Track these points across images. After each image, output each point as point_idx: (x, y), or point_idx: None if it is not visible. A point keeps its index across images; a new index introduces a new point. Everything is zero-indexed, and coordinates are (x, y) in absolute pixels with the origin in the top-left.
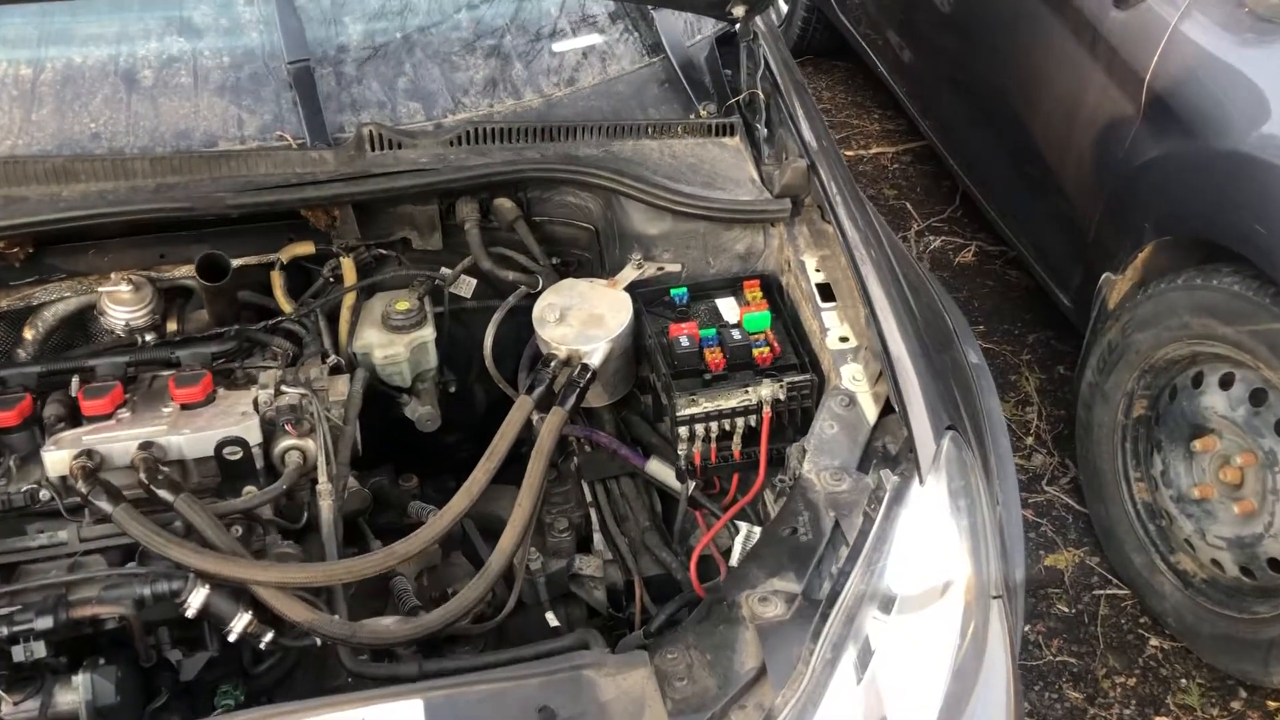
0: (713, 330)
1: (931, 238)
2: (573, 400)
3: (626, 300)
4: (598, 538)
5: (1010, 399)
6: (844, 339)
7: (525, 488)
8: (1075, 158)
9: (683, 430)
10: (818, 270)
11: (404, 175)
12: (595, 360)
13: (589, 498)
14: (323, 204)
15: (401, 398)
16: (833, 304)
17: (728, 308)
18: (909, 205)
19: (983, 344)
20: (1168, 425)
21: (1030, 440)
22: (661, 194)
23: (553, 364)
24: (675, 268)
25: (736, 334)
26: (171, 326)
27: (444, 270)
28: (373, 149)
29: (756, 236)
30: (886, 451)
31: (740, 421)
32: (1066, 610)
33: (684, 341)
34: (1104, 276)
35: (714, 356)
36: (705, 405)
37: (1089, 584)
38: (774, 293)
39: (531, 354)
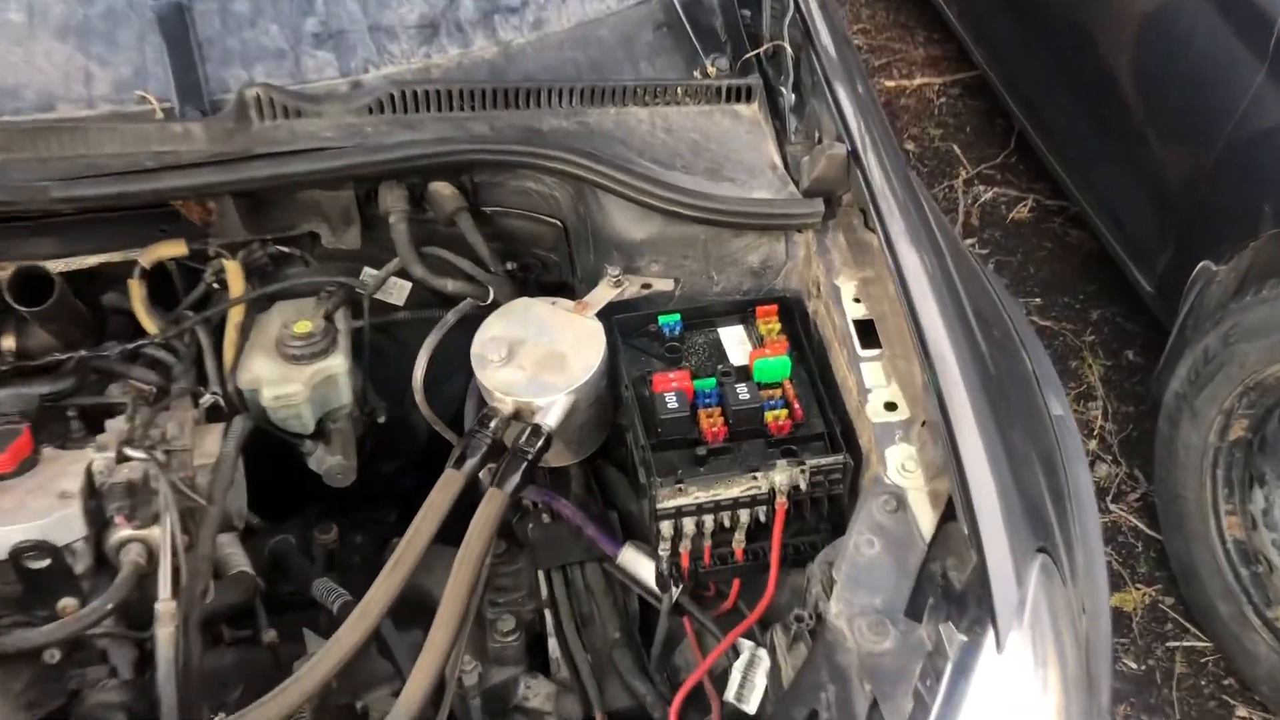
0: (712, 382)
1: (981, 188)
2: (516, 479)
3: (598, 332)
4: (553, 644)
5: (1070, 389)
6: (891, 406)
7: (444, 612)
8: (1171, 108)
9: (665, 526)
10: (857, 300)
11: (300, 158)
12: (551, 419)
13: (544, 590)
14: (186, 196)
15: (304, 445)
16: (876, 352)
17: (734, 342)
18: (956, 148)
19: (1038, 320)
20: (1274, 454)
21: (1094, 444)
22: (650, 188)
23: (493, 423)
24: (666, 285)
25: (744, 391)
26: (8, 344)
27: (367, 273)
28: (261, 118)
29: (776, 245)
30: (948, 583)
31: (745, 514)
32: (1134, 666)
33: (671, 402)
34: (1201, 265)
35: (712, 422)
36: (697, 495)
37: (1162, 633)
38: (796, 323)
39: (479, 394)
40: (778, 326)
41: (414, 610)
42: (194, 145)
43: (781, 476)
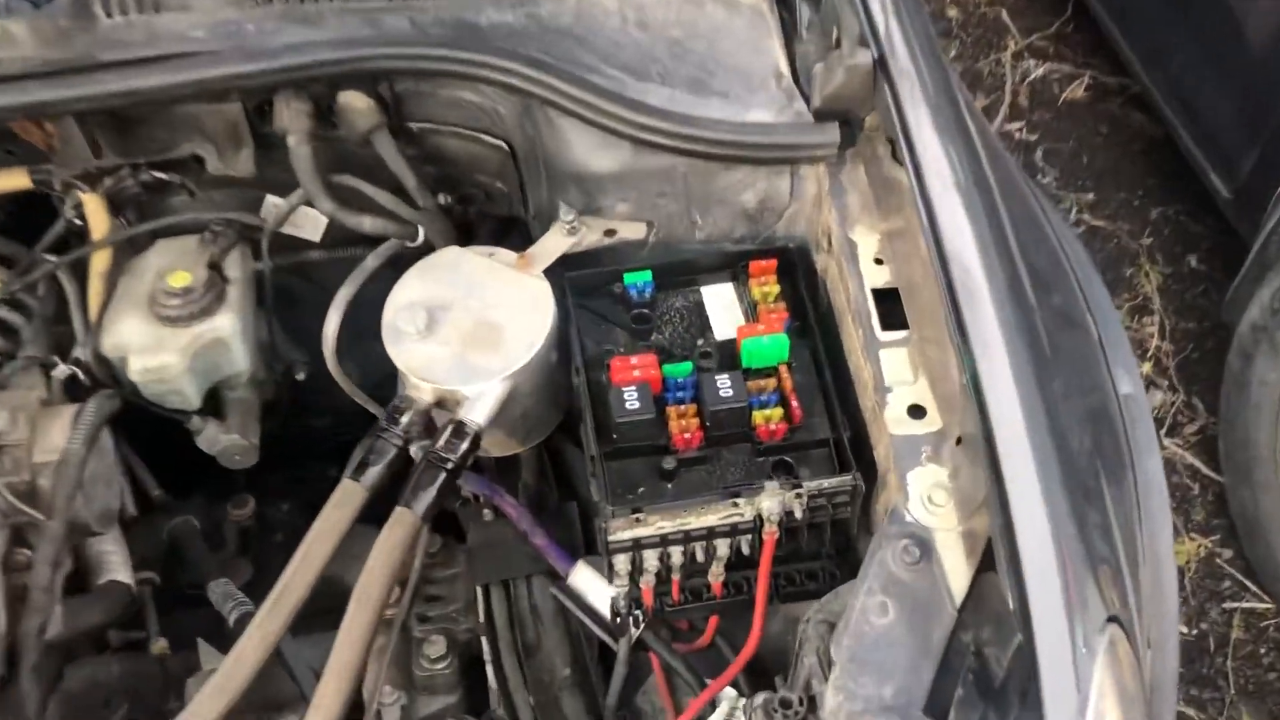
0: (688, 368)
1: (1031, 63)
2: (431, 496)
3: (545, 295)
4: (492, 672)
5: (1123, 302)
6: (917, 411)
7: (332, 673)
8: None
9: (620, 560)
10: (879, 261)
11: (158, 68)
12: (479, 414)
13: (482, 611)
14: (8, 117)
15: (190, 422)
16: (901, 335)
17: (720, 306)
18: (1004, 15)
19: (1089, 220)
20: None
21: (1148, 367)
22: (615, 108)
23: (406, 417)
24: (635, 230)
25: (726, 385)
26: None
27: (270, 203)
28: (107, 14)
29: (778, 181)
30: (983, 666)
31: (724, 544)
32: (1185, 631)
33: (632, 400)
34: None
35: (684, 425)
36: (660, 524)
37: (1218, 591)
38: (800, 284)
39: None
40: (776, 289)
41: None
42: (18, 50)
43: (771, 502)
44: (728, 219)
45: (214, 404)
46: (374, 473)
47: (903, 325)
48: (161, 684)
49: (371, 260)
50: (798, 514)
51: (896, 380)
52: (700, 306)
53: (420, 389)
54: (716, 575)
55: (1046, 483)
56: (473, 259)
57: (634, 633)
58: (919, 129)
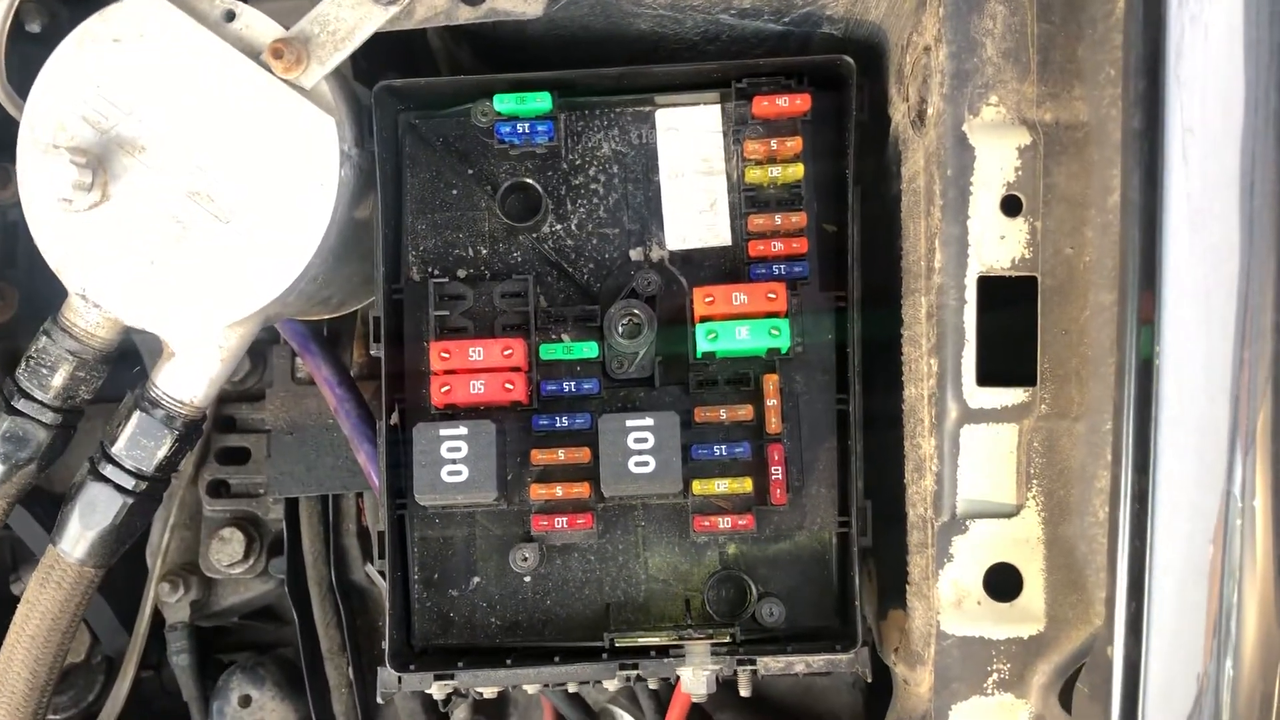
0: (592, 349)
1: None
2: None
3: (324, 135)
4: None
5: None
6: (1005, 580)
7: None
8: None
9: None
10: (1011, 202)
11: None
12: (194, 386)
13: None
14: None
15: None
16: (1017, 395)
17: (688, 164)
18: None
19: None
20: None
21: None
22: None
23: (61, 372)
24: (528, 1)
25: (644, 438)
26: None
27: None
28: None
29: None
30: None
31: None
32: None
33: (454, 453)
34: None
35: (560, 495)
36: (487, 691)
37: None
38: (848, 154)
39: None
40: (796, 170)
41: None
42: None
43: (696, 676)
44: None
45: None
46: (18, 475)
47: (1027, 378)
48: None
49: None
50: (743, 690)
51: (981, 499)
52: (650, 157)
53: (83, 318)
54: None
55: None
56: (187, 29)
57: None
58: None
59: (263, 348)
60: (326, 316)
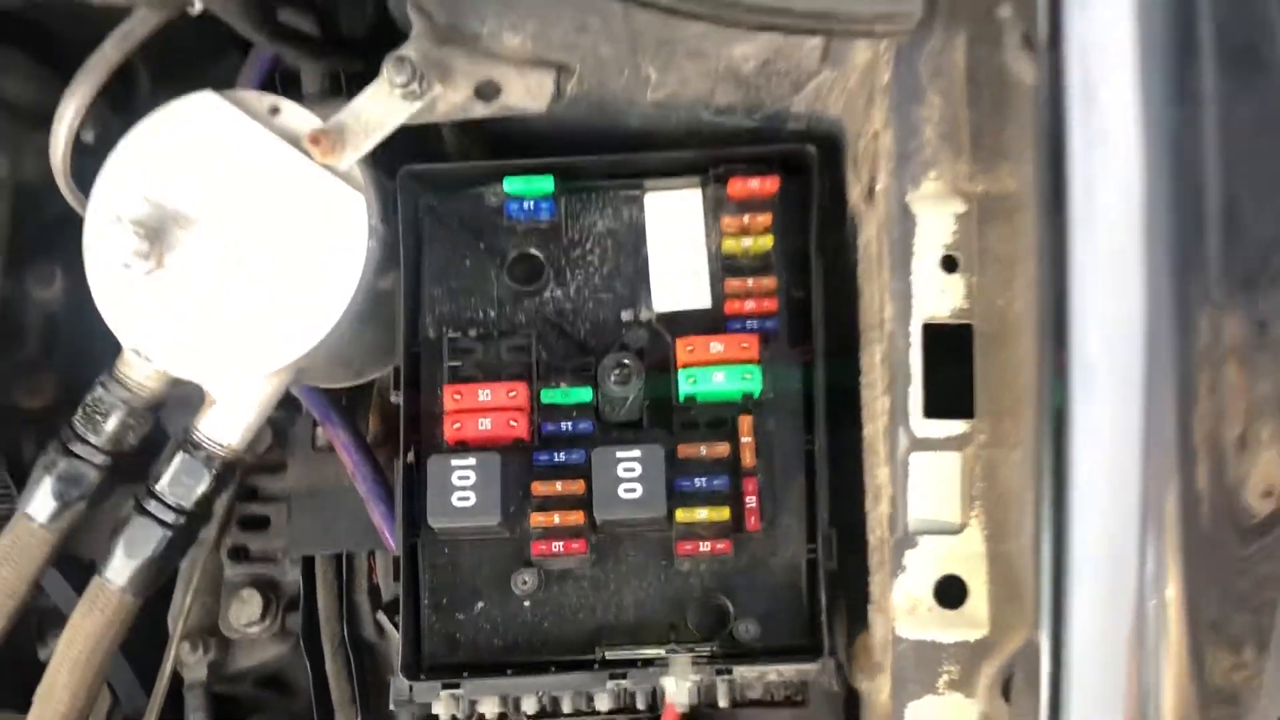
0: (587, 394)
1: None
2: (145, 560)
3: (353, 211)
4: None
5: None
6: (952, 590)
7: None
8: None
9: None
10: (949, 260)
11: None
12: (231, 430)
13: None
14: None
15: None
16: (958, 428)
17: (673, 237)
18: None
19: None
20: None
21: None
22: None
23: (113, 418)
24: (533, 88)
25: (633, 469)
26: None
27: None
28: None
29: (798, 39)
30: None
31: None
32: None
33: (463, 480)
34: None
35: (558, 522)
36: (486, 712)
37: None
38: (810, 226)
39: None
40: (765, 242)
41: None
42: None
43: (679, 686)
44: (704, 79)
45: None
46: (39, 508)
47: (966, 411)
48: None
49: (111, 47)
50: (722, 701)
51: (930, 519)
52: (639, 233)
53: (136, 371)
54: None
55: None
56: (236, 121)
57: None
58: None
59: (284, 424)
60: (346, 385)
